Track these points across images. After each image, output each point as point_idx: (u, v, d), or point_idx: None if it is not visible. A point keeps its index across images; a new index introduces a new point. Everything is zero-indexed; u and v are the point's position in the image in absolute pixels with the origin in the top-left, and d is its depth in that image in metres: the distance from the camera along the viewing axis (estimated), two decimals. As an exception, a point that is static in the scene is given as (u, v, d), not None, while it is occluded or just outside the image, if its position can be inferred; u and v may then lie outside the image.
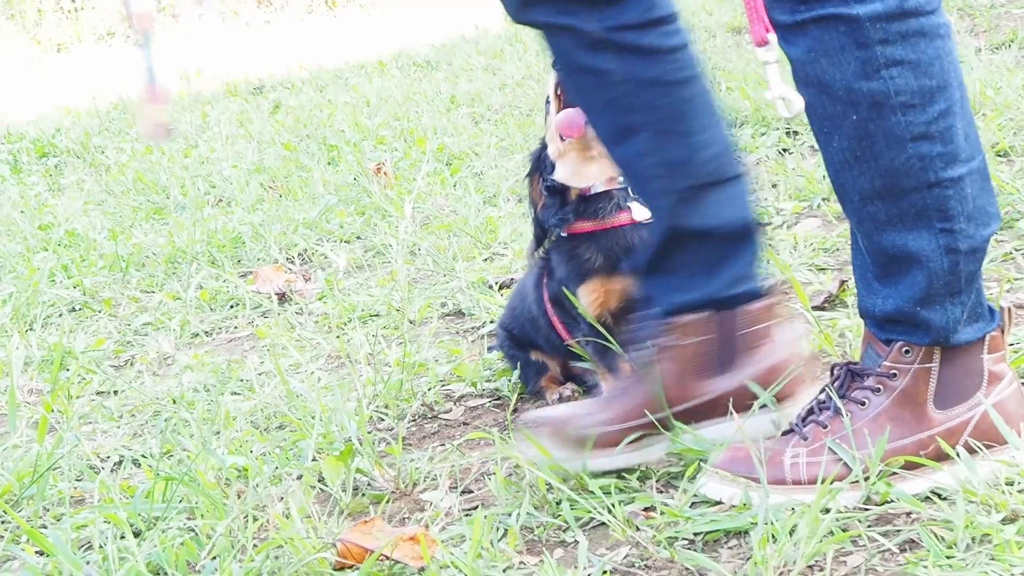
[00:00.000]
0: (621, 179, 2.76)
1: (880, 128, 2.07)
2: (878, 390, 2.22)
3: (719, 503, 2.25)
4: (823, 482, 2.10)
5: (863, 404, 2.22)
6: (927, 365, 2.20)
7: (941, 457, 2.17)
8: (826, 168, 2.18)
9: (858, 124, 2.07)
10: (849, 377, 2.27)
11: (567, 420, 2.44)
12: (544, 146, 2.86)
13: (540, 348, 3.02)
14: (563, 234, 2.80)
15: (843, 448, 2.18)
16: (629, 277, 2.69)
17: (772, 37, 2.06)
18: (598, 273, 2.77)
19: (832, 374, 2.30)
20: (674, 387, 2.41)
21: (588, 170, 2.77)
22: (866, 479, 2.15)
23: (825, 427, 2.22)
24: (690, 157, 2.38)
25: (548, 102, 2.78)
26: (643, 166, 2.41)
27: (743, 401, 2.41)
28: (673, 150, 2.38)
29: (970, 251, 2.13)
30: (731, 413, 2.40)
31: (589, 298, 2.77)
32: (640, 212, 2.75)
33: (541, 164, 2.87)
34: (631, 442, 2.40)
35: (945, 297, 2.14)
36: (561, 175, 2.79)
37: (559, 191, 2.81)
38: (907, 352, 2.19)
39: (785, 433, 2.30)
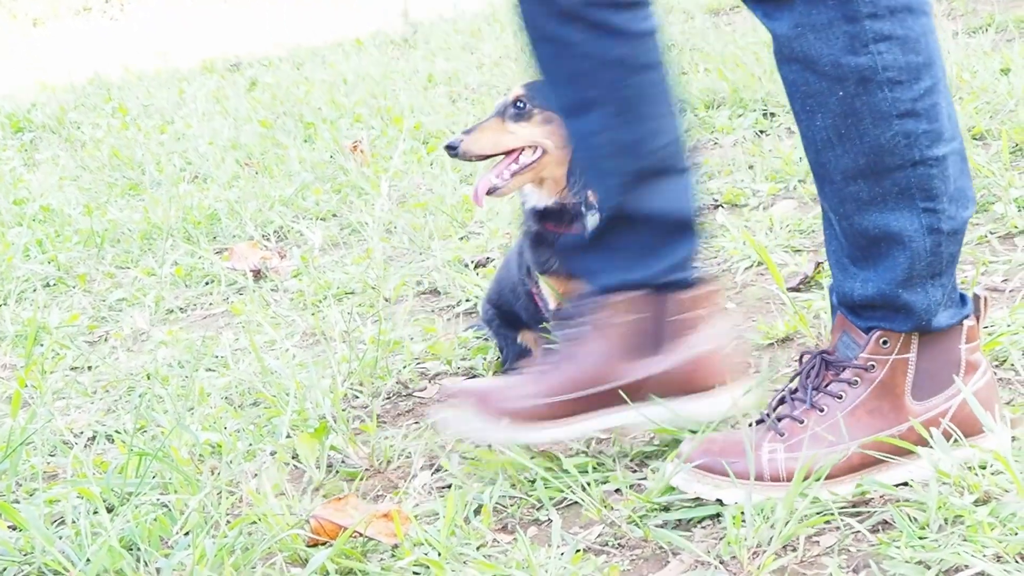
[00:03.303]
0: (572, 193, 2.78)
1: (867, 104, 2.06)
2: (855, 383, 2.20)
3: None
4: (805, 479, 2.10)
5: (840, 397, 2.20)
6: (904, 356, 2.19)
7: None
8: (805, 148, 2.16)
9: (844, 101, 2.06)
10: (823, 367, 2.25)
11: (491, 392, 2.43)
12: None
13: (527, 326, 3.01)
14: (533, 225, 2.81)
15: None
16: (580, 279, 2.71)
17: None
18: (556, 271, 2.78)
19: (802, 362, 2.29)
20: (601, 365, 2.40)
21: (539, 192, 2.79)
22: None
23: (801, 422, 2.20)
24: (642, 141, 2.38)
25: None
26: (596, 143, 2.40)
27: (661, 390, 2.41)
28: (627, 132, 2.37)
29: (952, 232, 2.12)
30: (627, 402, 2.40)
31: (548, 289, 2.79)
32: (592, 224, 2.76)
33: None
34: (558, 417, 2.40)
35: (927, 279, 2.13)
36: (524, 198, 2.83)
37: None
38: (885, 343, 2.18)
39: (758, 423, 2.29)
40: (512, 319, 3.05)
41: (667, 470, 2.23)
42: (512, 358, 3.04)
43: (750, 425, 2.29)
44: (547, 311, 2.84)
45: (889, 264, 2.13)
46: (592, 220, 2.64)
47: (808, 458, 2.13)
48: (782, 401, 2.27)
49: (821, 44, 2.05)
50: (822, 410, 2.20)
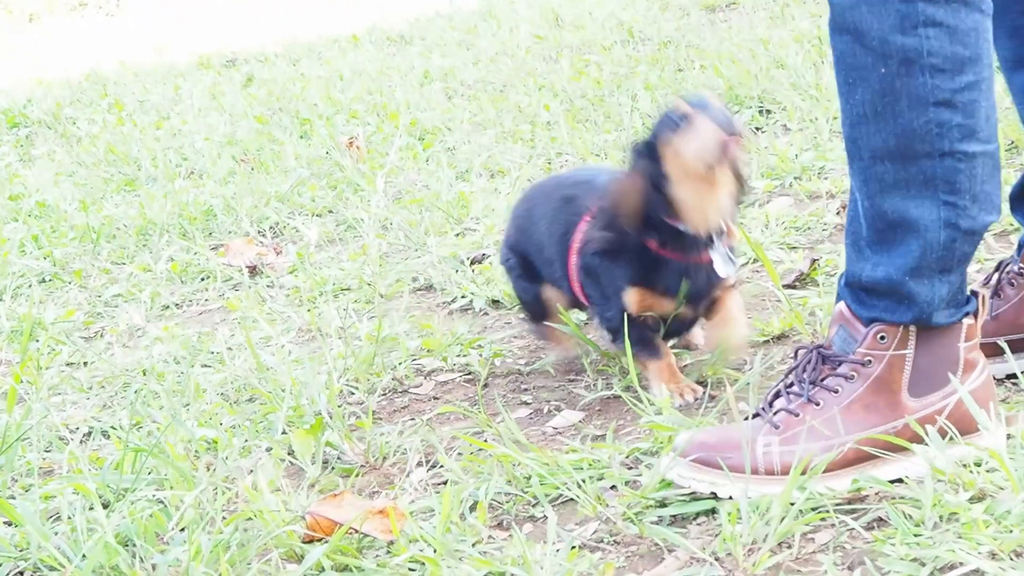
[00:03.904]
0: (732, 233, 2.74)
1: (906, 86, 2.05)
2: (851, 377, 2.20)
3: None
4: (803, 473, 2.10)
5: (836, 392, 2.20)
6: (902, 352, 2.19)
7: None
8: (842, 122, 2.16)
9: (885, 78, 2.06)
10: (820, 361, 2.25)
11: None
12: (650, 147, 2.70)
13: (554, 284, 2.98)
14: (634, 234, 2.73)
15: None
16: (676, 304, 2.72)
17: None
18: (654, 287, 2.73)
19: (797, 356, 2.29)
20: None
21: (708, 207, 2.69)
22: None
23: (797, 415, 2.20)
24: None
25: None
26: None
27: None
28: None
29: (969, 232, 2.12)
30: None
31: (634, 299, 2.74)
32: (721, 265, 2.72)
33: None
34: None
35: (935, 272, 2.13)
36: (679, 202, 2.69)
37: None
38: (883, 338, 2.18)
39: (754, 417, 2.28)
40: (534, 272, 3.03)
41: (662, 464, 2.23)
42: (537, 313, 3.04)
43: (746, 419, 2.29)
44: (598, 305, 2.83)
45: (902, 251, 2.13)
46: (720, 262, 2.63)
47: (803, 452, 2.14)
48: (777, 395, 2.27)
49: (873, 18, 2.05)
50: (818, 404, 2.20)
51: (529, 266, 3.04)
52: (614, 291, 2.77)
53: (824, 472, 2.13)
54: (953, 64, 2.05)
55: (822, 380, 2.23)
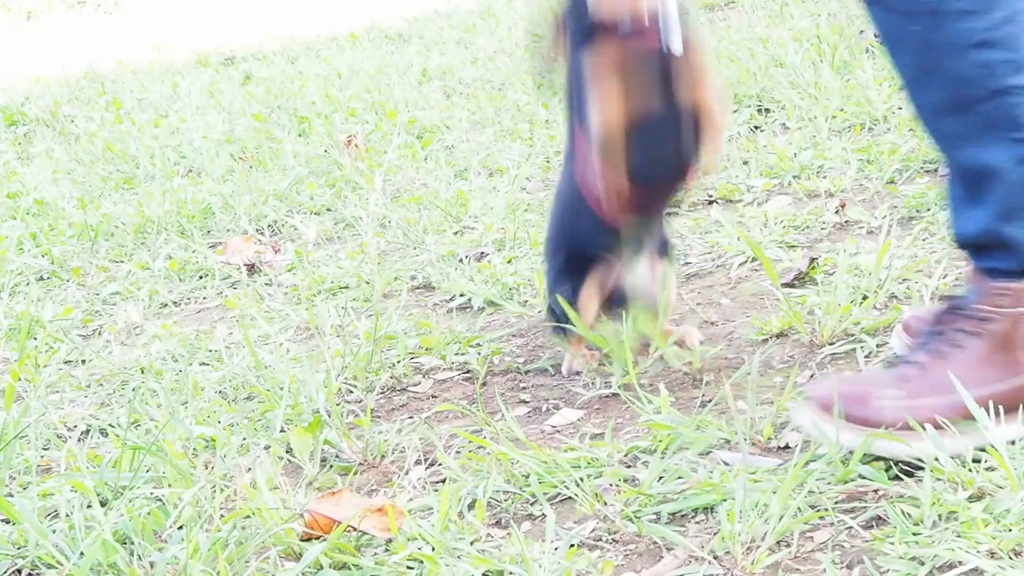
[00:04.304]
0: None
1: (941, 38, 2.05)
2: (974, 333, 2.19)
3: (689, 480, 2.25)
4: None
5: (960, 347, 2.19)
6: (1019, 309, 2.18)
7: None
8: (903, 92, 2.16)
9: (920, 36, 2.06)
10: (950, 314, 2.24)
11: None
12: None
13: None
14: None
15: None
16: None
17: None
18: None
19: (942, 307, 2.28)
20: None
21: None
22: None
23: (922, 369, 2.19)
24: None
25: None
26: None
27: None
28: None
29: None
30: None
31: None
32: None
33: None
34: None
35: None
36: None
37: None
38: (1002, 295, 2.17)
39: (890, 366, 2.26)
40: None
41: (793, 410, 2.23)
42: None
43: (887, 367, 2.26)
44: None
45: (989, 199, 2.12)
46: None
47: (921, 408, 2.13)
48: (915, 348, 2.26)
49: None
50: (942, 358, 2.20)
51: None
52: None
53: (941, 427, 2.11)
54: (981, 4, 2.04)
55: (948, 333, 2.22)
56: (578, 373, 2.91)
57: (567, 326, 2.88)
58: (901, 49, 2.10)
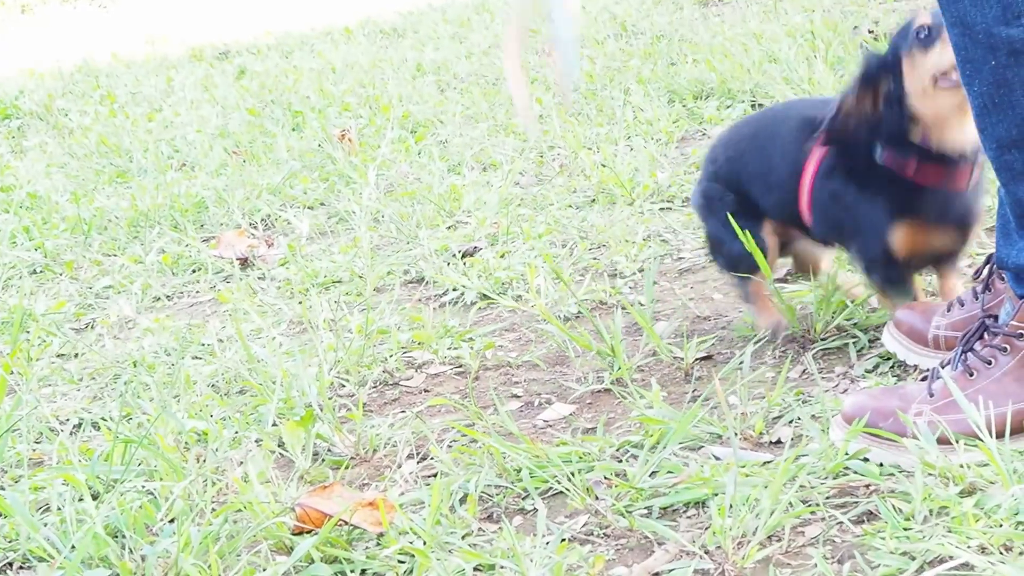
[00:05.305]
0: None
1: (1018, 76, 2.05)
2: (1005, 349, 2.20)
3: (680, 474, 2.25)
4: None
5: (990, 363, 2.20)
6: None
7: None
8: (972, 114, 2.16)
9: (996, 70, 2.06)
10: (982, 330, 2.25)
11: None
12: (886, 60, 2.61)
13: (771, 217, 2.88)
14: (884, 163, 2.62)
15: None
16: (947, 234, 2.64)
17: None
18: (923, 223, 2.63)
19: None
20: None
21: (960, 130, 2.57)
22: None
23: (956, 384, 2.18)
24: None
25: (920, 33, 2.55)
26: None
27: None
28: None
29: None
30: None
31: (902, 239, 2.64)
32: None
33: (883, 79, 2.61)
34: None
35: None
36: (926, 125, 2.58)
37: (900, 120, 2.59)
38: None
39: (922, 379, 2.27)
40: (752, 207, 2.90)
41: (831, 427, 2.24)
42: (738, 261, 2.91)
43: (923, 379, 2.27)
44: (843, 240, 2.76)
45: None
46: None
47: (952, 424, 2.13)
48: (948, 363, 2.26)
49: (976, 11, 2.05)
50: (972, 374, 2.20)
51: (746, 201, 2.92)
52: (871, 226, 2.65)
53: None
54: None
55: (979, 350, 2.22)
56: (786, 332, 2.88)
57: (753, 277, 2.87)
58: (975, 78, 2.09)
